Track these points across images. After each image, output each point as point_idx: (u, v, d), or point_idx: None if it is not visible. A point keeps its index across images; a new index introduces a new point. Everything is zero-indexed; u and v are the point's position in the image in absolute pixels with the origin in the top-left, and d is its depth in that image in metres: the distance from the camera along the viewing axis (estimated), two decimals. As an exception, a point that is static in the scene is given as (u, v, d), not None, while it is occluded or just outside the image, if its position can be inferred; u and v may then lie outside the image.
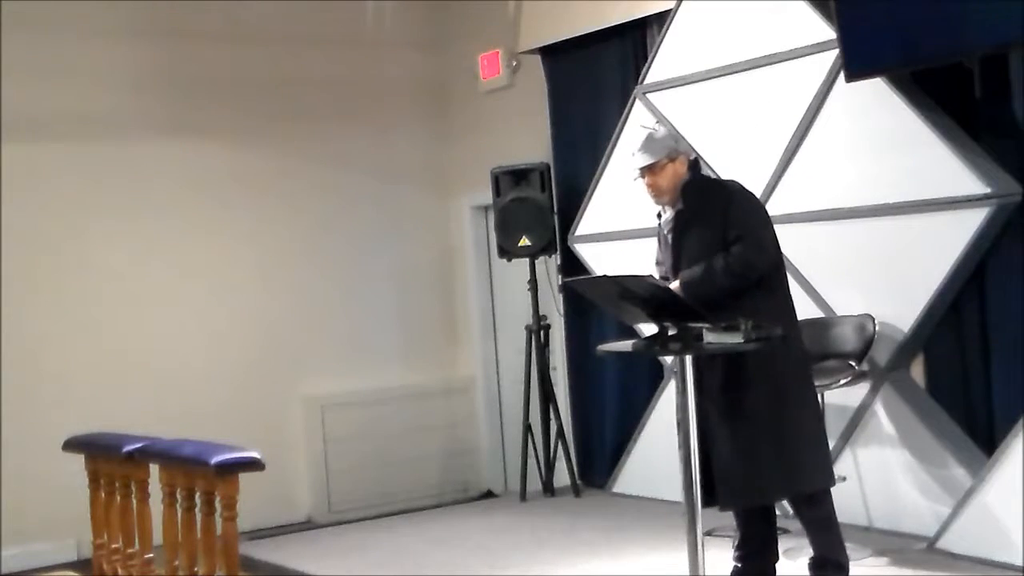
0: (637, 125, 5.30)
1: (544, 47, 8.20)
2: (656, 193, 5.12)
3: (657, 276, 5.18)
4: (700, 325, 4.76)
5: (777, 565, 5.23)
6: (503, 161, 8.15)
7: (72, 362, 7.61)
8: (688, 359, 4.81)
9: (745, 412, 4.93)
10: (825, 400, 5.91)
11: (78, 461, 5.64)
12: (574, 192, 7.99)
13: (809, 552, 5.16)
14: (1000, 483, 5.50)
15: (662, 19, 7.28)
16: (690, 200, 5.08)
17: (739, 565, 5.20)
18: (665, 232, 5.15)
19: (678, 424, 4.82)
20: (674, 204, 5.12)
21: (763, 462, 4.92)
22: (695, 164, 5.18)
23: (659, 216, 5.24)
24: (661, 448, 6.96)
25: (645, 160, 5.07)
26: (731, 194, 5.08)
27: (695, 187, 5.12)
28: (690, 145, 5.20)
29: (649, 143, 5.11)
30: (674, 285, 4.93)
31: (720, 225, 4.96)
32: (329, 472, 8.46)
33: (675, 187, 5.09)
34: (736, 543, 5.22)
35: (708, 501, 4.89)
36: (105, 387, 7.60)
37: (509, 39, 8.43)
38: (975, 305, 5.94)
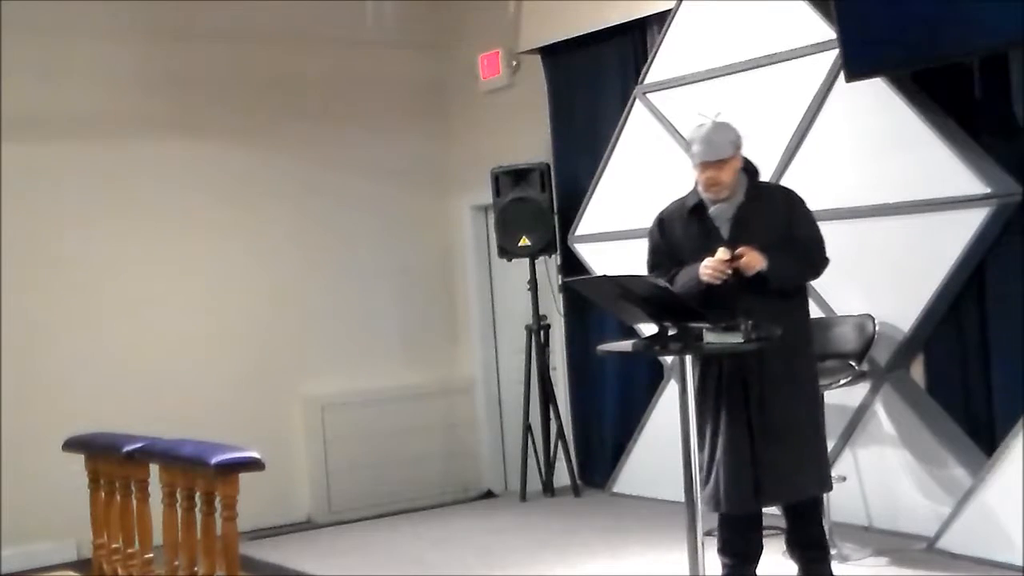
0: (696, 114, 5.15)
1: (544, 47, 8.20)
2: (716, 187, 4.98)
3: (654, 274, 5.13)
4: (700, 325, 4.76)
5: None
6: (503, 161, 8.15)
7: (72, 362, 7.61)
8: (687, 359, 4.82)
9: (795, 408, 4.94)
10: (825, 400, 5.90)
11: (78, 461, 5.64)
12: (574, 192, 7.99)
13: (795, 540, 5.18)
14: (1000, 483, 5.50)
15: (662, 19, 7.29)
16: (757, 197, 5.03)
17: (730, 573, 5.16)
18: (717, 224, 5.02)
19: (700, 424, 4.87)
20: (729, 197, 5.01)
21: (811, 458, 4.99)
22: (749, 161, 5.11)
23: (694, 209, 5.06)
24: (661, 448, 6.96)
25: (715, 155, 4.94)
26: (794, 197, 5.10)
27: (760, 186, 5.10)
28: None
29: (719, 137, 4.96)
30: (757, 258, 4.82)
31: (783, 225, 4.95)
32: (329, 472, 8.46)
33: (733, 182, 4.98)
34: (724, 550, 5.12)
35: (747, 500, 4.93)
36: (105, 387, 7.60)
37: (509, 39, 8.43)
38: (975, 305, 5.94)
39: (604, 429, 8.07)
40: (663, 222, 5.18)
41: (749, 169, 5.10)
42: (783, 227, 4.96)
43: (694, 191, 5.10)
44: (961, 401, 6.06)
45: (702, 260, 4.92)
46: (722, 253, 4.86)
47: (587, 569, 6.19)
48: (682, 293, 4.92)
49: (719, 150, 4.94)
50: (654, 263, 5.18)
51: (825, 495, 5.30)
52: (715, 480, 4.93)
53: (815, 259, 5.01)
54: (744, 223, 4.97)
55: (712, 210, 5.03)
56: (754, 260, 4.84)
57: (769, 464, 4.89)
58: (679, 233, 5.10)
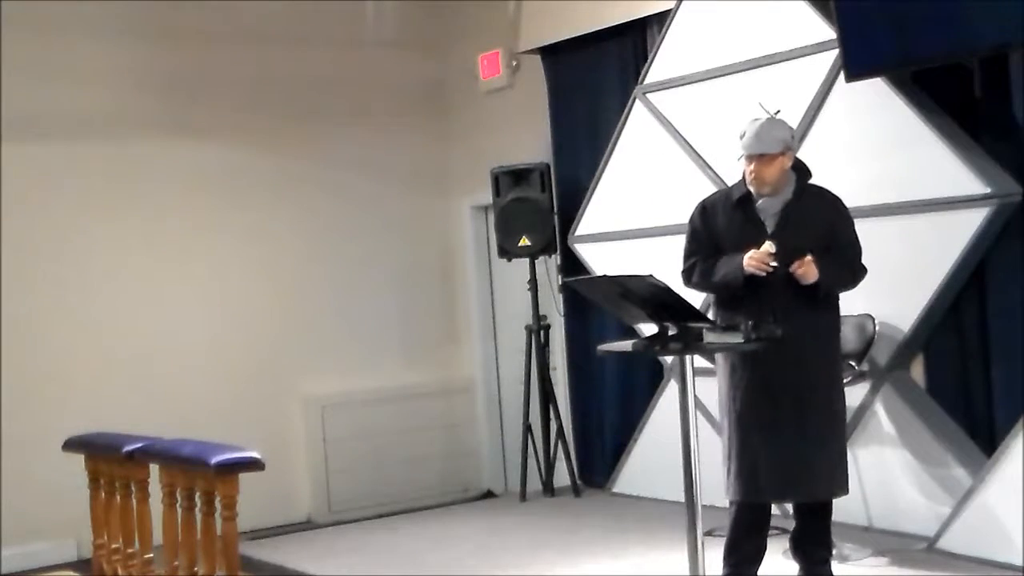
0: (756, 104, 5.20)
1: (544, 47, 8.20)
2: (758, 181, 5.02)
3: (687, 265, 5.17)
4: (700, 325, 4.77)
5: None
6: (503, 161, 8.15)
7: (72, 362, 7.61)
8: (688, 359, 4.83)
9: (828, 408, 5.03)
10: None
11: (78, 461, 5.64)
12: (574, 192, 7.99)
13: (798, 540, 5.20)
14: (1000, 483, 5.50)
15: (662, 19, 7.29)
16: (802, 195, 5.06)
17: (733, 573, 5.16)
18: (763, 217, 5.05)
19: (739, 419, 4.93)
20: (773, 193, 5.04)
21: (838, 459, 5.07)
22: (799, 161, 5.16)
23: (741, 200, 5.08)
24: (661, 448, 6.96)
25: (760, 149, 4.98)
26: (840, 204, 5.14)
27: (812, 187, 5.13)
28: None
29: (768, 132, 5.00)
30: (813, 271, 4.88)
31: (827, 229, 5.01)
32: (329, 472, 8.46)
33: (779, 179, 5.02)
34: (733, 550, 5.13)
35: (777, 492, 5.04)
36: (105, 387, 7.60)
37: (509, 39, 8.43)
38: (975, 305, 5.94)
39: (604, 429, 8.07)
40: (706, 209, 5.20)
41: (800, 169, 5.13)
42: (827, 230, 5.01)
43: (741, 182, 5.13)
44: (961, 401, 6.06)
45: (744, 251, 4.96)
46: (768, 246, 4.91)
47: (587, 569, 6.19)
48: (722, 282, 5.00)
49: (764, 145, 4.98)
50: (692, 249, 5.19)
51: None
52: (751, 468, 4.96)
53: (856, 268, 5.09)
54: (789, 220, 5.01)
55: (760, 203, 5.07)
56: (810, 273, 4.89)
57: (806, 460, 4.93)
58: (722, 222, 5.12)
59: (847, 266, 5.06)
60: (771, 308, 4.88)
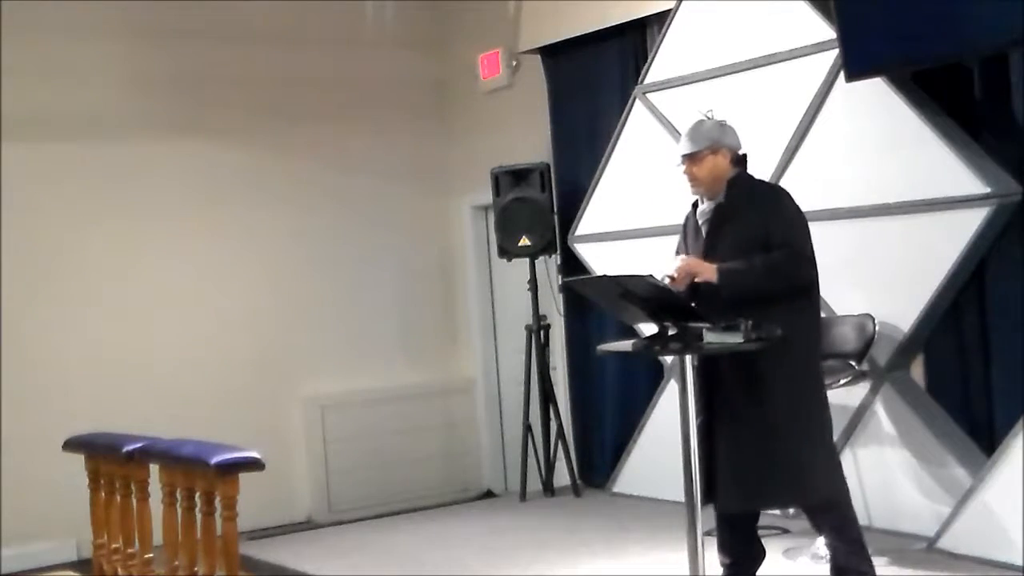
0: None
1: (544, 47, 8.20)
2: (693, 183, 5.03)
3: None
4: (700, 325, 4.76)
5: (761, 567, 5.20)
6: (503, 161, 8.15)
7: (72, 362, 7.62)
8: (688, 359, 4.82)
9: (762, 415, 4.83)
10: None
11: (78, 461, 5.64)
12: (574, 192, 7.99)
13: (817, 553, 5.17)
14: (1000, 483, 5.49)
15: (662, 19, 7.29)
16: (734, 196, 4.99)
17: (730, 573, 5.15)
18: (700, 222, 5.04)
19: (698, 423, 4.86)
20: (713, 196, 5.01)
21: (777, 467, 4.82)
22: (742, 160, 5.08)
23: (695, 206, 5.13)
24: (661, 448, 6.96)
25: (686, 148, 5.01)
26: (779, 199, 5.00)
27: (742, 184, 5.02)
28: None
29: (695, 131, 5.04)
30: (710, 268, 4.83)
31: (762, 227, 4.87)
32: (329, 472, 8.46)
33: (714, 179, 4.98)
34: (722, 549, 5.11)
35: (709, 499, 4.90)
36: (105, 387, 7.60)
37: (509, 39, 8.44)
38: (975, 305, 5.94)
39: (604, 429, 8.07)
40: (687, 220, 5.23)
41: (738, 166, 5.08)
42: (761, 228, 4.88)
43: None
44: (961, 401, 6.05)
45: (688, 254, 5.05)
46: (678, 261, 4.96)
47: (587, 569, 6.18)
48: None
49: (690, 144, 5.02)
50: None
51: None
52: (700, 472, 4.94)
53: (785, 270, 4.81)
54: (719, 224, 4.99)
55: (699, 209, 5.10)
56: (695, 268, 4.86)
57: (724, 467, 4.87)
58: (686, 230, 5.21)
59: (773, 268, 4.79)
60: (709, 313, 4.75)
